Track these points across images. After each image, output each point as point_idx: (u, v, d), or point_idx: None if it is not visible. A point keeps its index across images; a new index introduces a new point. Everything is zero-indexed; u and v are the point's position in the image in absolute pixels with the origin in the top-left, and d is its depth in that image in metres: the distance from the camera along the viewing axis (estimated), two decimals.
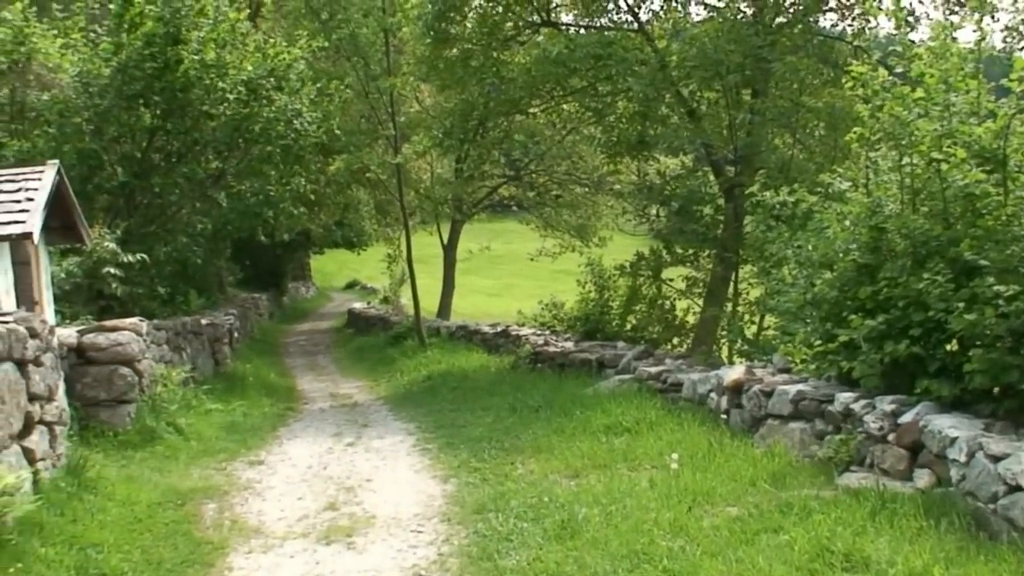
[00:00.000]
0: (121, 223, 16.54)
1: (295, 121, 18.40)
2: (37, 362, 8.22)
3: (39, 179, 9.85)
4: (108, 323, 11.79)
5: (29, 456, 7.67)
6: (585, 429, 11.03)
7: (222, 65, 17.41)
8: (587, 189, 33.85)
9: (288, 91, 18.52)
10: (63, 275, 13.40)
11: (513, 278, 55.90)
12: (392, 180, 26.73)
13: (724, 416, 10.61)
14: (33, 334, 8.17)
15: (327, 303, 52.14)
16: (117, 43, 16.67)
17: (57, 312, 13.46)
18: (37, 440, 7.91)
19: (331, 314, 44.74)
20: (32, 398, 7.99)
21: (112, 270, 14.23)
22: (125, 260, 14.43)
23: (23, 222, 9.02)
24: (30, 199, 9.44)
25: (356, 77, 24.33)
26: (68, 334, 11.50)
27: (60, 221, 10.94)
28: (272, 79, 18.20)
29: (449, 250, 31.88)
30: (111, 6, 16.97)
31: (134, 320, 12.38)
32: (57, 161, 10.33)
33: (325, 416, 15.53)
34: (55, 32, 17.48)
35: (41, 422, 8.21)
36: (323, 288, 59.58)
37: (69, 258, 14.10)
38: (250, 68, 18.03)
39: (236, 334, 24.28)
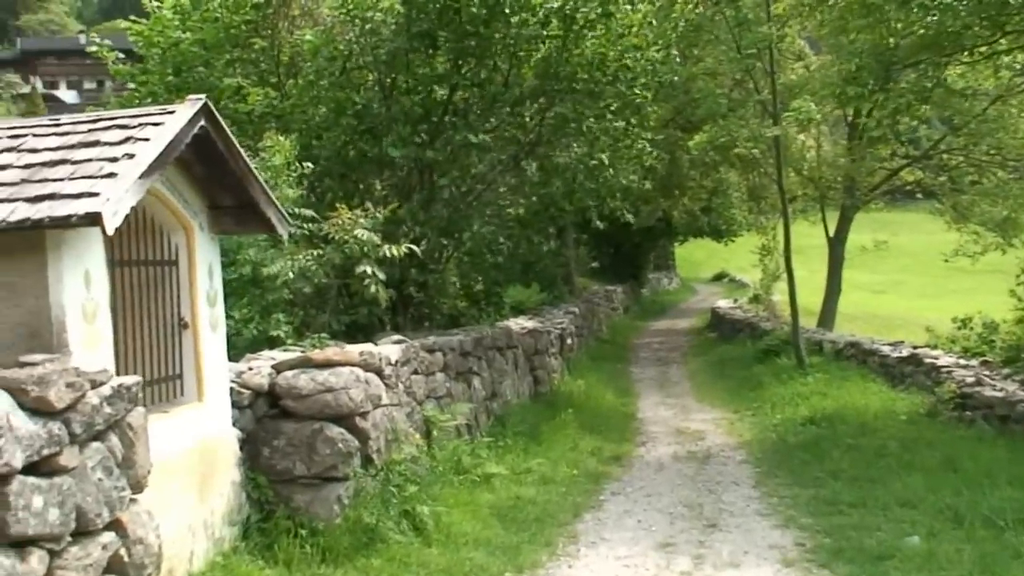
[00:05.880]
0: (413, 205, 12.74)
1: (627, 59, 13.23)
2: (47, 468, 4.12)
3: (161, 124, 5.83)
4: (317, 355, 7.67)
5: None
6: None
7: None
8: (1016, 175, 26.55)
9: (619, 21, 13.26)
10: (290, 275, 9.49)
11: (901, 273, 49.82)
12: (769, 158, 21.53)
13: None
14: (47, 409, 4.09)
15: (690, 296, 48.33)
16: None
17: (287, 323, 9.76)
18: None
19: (693, 310, 40.63)
20: (15, 544, 3.90)
21: (367, 268, 10.14)
22: (387, 254, 10.28)
23: (95, 194, 4.99)
24: (129, 156, 5.44)
25: (727, 29, 19.33)
26: (258, 370, 7.58)
27: (235, 198, 6.89)
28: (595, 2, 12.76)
29: (836, 245, 25.86)
30: None
31: (366, 348, 8.30)
32: (203, 96, 6.14)
33: (659, 482, 10.83)
34: None
35: None
36: (687, 279, 55.94)
37: (311, 251, 10.19)
38: None
39: (571, 340, 20.15)
